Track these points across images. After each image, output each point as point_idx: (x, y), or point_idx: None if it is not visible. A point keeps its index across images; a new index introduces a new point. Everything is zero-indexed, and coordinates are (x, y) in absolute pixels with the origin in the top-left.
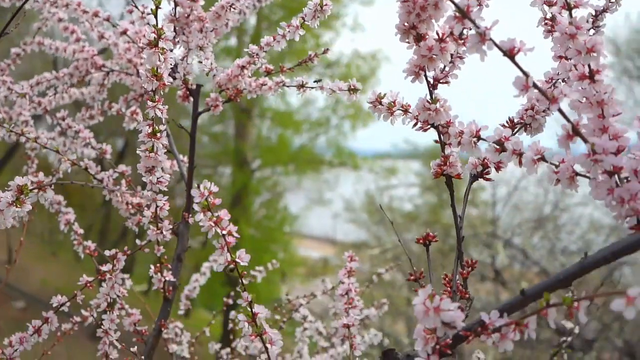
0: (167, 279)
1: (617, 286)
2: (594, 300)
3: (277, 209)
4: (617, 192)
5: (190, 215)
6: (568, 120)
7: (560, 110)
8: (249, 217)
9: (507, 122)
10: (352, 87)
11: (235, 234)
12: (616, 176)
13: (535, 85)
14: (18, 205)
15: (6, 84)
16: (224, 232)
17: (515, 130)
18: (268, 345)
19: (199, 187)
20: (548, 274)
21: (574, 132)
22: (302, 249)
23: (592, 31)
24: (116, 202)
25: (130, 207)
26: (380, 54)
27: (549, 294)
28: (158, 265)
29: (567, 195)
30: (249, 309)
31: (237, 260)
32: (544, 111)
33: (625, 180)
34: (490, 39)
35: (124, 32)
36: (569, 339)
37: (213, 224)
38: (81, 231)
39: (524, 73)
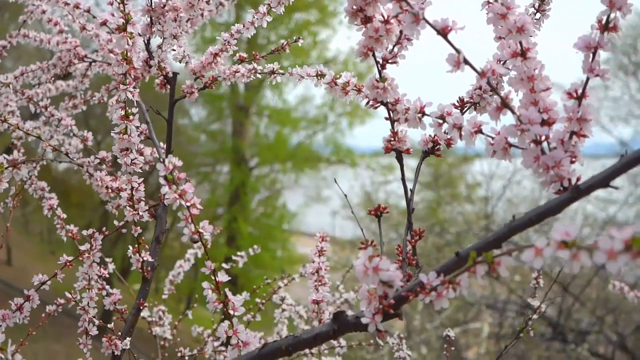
0: (145, 259)
1: (608, 278)
2: (512, 255)
3: (276, 206)
4: (542, 160)
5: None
6: (497, 93)
7: (489, 84)
8: (247, 214)
9: (457, 101)
10: (319, 72)
11: (199, 206)
12: (546, 145)
13: (466, 61)
14: None
15: None
16: (189, 204)
17: (465, 108)
18: (231, 311)
19: (164, 161)
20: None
21: (503, 104)
22: (300, 247)
23: (538, 14)
24: (96, 186)
25: (109, 191)
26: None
27: (475, 252)
28: (136, 246)
29: None
30: (212, 277)
31: (200, 230)
32: (491, 90)
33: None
34: (424, 19)
35: (104, 23)
36: (535, 316)
37: (177, 197)
38: (64, 216)
39: (456, 50)
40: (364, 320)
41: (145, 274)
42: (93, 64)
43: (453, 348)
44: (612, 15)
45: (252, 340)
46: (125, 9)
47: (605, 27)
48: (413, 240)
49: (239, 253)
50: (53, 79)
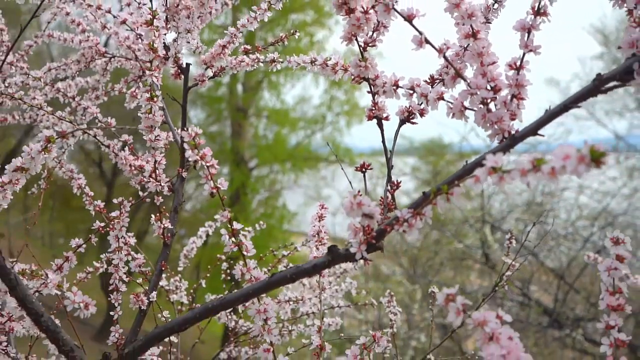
0: (165, 226)
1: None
2: (459, 185)
3: (276, 206)
4: (488, 117)
5: (185, 171)
6: (452, 66)
7: (445, 58)
8: (248, 215)
9: (428, 78)
10: (313, 59)
11: (216, 166)
12: (493, 106)
13: (427, 41)
14: (46, 152)
15: (23, 69)
16: (208, 164)
17: (435, 84)
18: (244, 253)
19: (187, 129)
20: (537, 257)
21: (457, 74)
22: (301, 246)
23: (496, 5)
24: (121, 164)
25: (132, 168)
26: (374, 50)
27: (435, 188)
28: (158, 214)
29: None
30: (229, 225)
31: (218, 186)
32: (448, 64)
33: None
34: (393, 8)
35: (124, 22)
36: (509, 273)
37: (199, 158)
38: (91, 193)
39: (419, 32)
40: (352, 250)
41: (166, 239)
42: (112, 59)
43: (435, 303)
44: (542, 3)
45: (262, 276)
46: (152, 5)
47: (537, 12)
48: (392, 190)
49: (246, 228)
50: (77, 74)
